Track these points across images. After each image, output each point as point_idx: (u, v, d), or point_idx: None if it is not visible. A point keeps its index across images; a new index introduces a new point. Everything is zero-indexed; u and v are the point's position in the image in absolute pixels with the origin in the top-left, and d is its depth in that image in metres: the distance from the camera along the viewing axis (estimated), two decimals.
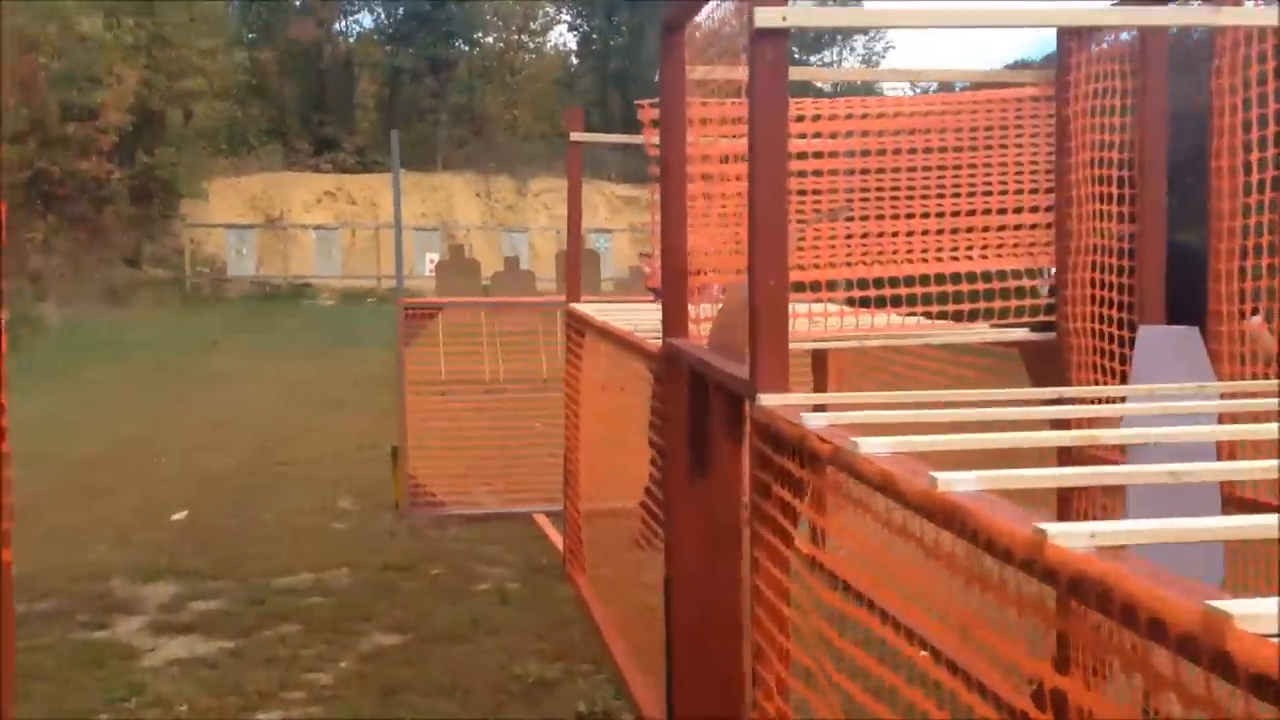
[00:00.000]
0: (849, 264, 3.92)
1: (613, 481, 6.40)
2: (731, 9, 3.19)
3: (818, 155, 3.66)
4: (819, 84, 22.04)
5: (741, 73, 3.75)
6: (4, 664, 2.42)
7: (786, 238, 2.52)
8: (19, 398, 11.68)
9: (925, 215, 3.92)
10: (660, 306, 6.24)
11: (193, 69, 29.31)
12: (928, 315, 4.19)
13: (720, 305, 3.36)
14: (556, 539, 6.92)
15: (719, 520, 2.98)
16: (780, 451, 2.36)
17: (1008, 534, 1.37)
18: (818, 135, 3.85)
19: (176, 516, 7.38)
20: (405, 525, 7.29)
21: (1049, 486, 2.51)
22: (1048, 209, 3.94)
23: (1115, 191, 3.75)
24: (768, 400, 2.47)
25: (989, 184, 3.97)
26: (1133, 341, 3.27)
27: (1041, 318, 4.13)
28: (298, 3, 35.53)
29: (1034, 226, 3.98)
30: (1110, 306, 3.80)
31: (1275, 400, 2.44)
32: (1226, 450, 2.98)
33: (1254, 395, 2.64)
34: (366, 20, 38.34)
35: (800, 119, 3.82)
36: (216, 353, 17.03)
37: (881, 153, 3.90)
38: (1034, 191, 3.97)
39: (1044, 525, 1.32)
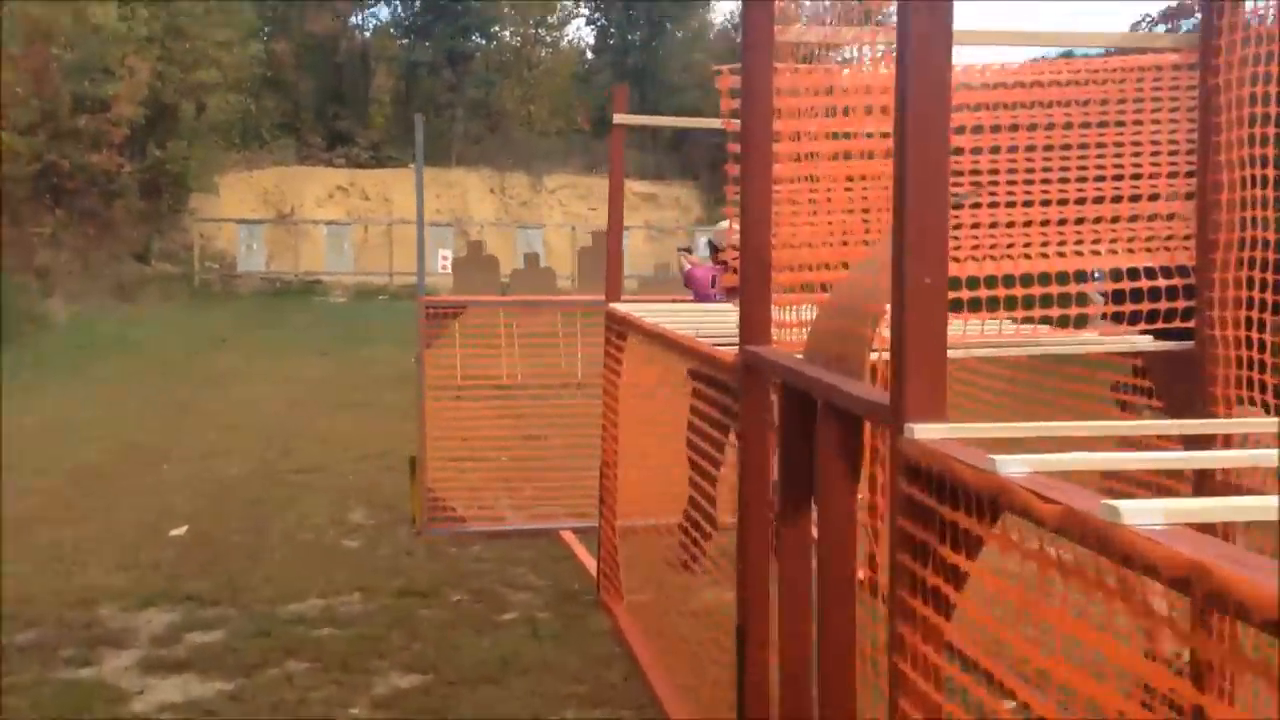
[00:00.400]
0: (955, 259, 3.33)
1: (649, 495, 5.83)
2: None
3: None
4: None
5: (848, 33, 3.17)
6: None
7: (946, 227, 1.94)
8: (22, 397, 11.14)
9: (1046, 203, 3.33)
10: (709, 306, 5.70)
11: (207, 61, 28.81)
12: (1029, 320, 3.60)
13: (821, 308, 2.77)
14: (587, 560, 6.35)
15: (827, 573, 2.40)
16: (947, 500, 1.78)
17: None
18: None
19: (175, 532, 6.81)
20: (423, 543, 6.72)
21: None
22: (1188, 197, 3.35)
23: (1273, 175, 3.16)
24: (925, 432, 1.88)
25: (1119, 167, 3.38)
26: None
27: (1175, 324, 3.54)
28: None
29: (1171, 217, 3.39)
30: (1265, 310, 3.21)
31: None
32: None
33: None
34: (383, 13, 37.95)
35: None
36: (225, 351, 16.48)
37: (996, 129, 3.30)
38: (1172, 176, 3.37)
39: None
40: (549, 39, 40.59)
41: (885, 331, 2.44)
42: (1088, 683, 1.47)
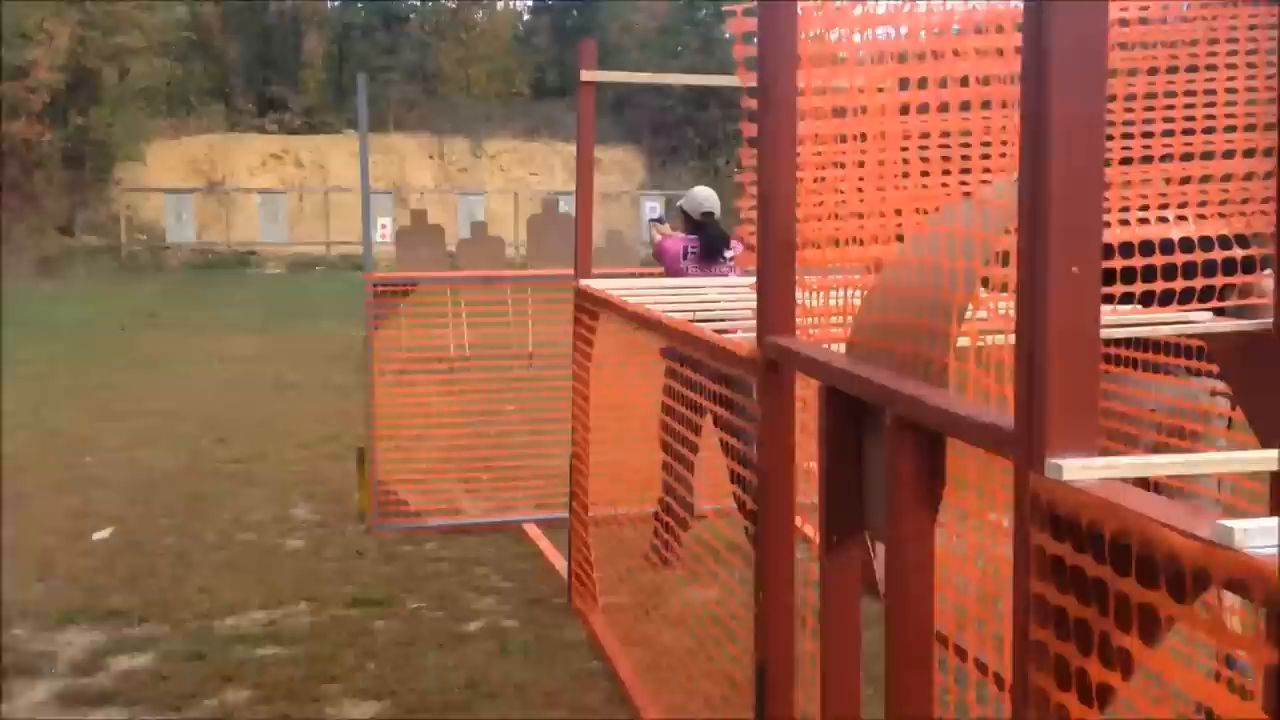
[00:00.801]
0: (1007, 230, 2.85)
1: (618, 482, 5.35)
2: None
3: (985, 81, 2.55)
4: None
5: None
6: None
7: (1100, 203, 1.45)
8: None
9: (1108, 163, 2.85)
10: (687, 283, 5.17)
11: (129, 24, 27.72)
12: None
13: (872, 293, 2.28)
14: (554, 557, 5.85)
15: (900, 624, 1.91)
16: (1121, 566, 1.30)
17: None
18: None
19: (99, 535, 6.21)
20: (374, 541, 6.17)
21: None
22: (1266, 153, 2.89)
23: None
24: (1079, 471, 1.40)
25: (1190, 119, 2.91)
26: None
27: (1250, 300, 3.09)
28: None
29: (1249, 177, 2.93)
30: None
31: None
32: None
33: None
34: None
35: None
36: (155, 328, 15.71)
37: None
38: (1250, 129, 2.91)
39: None
40: (486, 0, 39.68)
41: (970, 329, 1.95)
42: None
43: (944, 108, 2.34)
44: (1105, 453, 1.48)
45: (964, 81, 2.15)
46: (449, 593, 5.35)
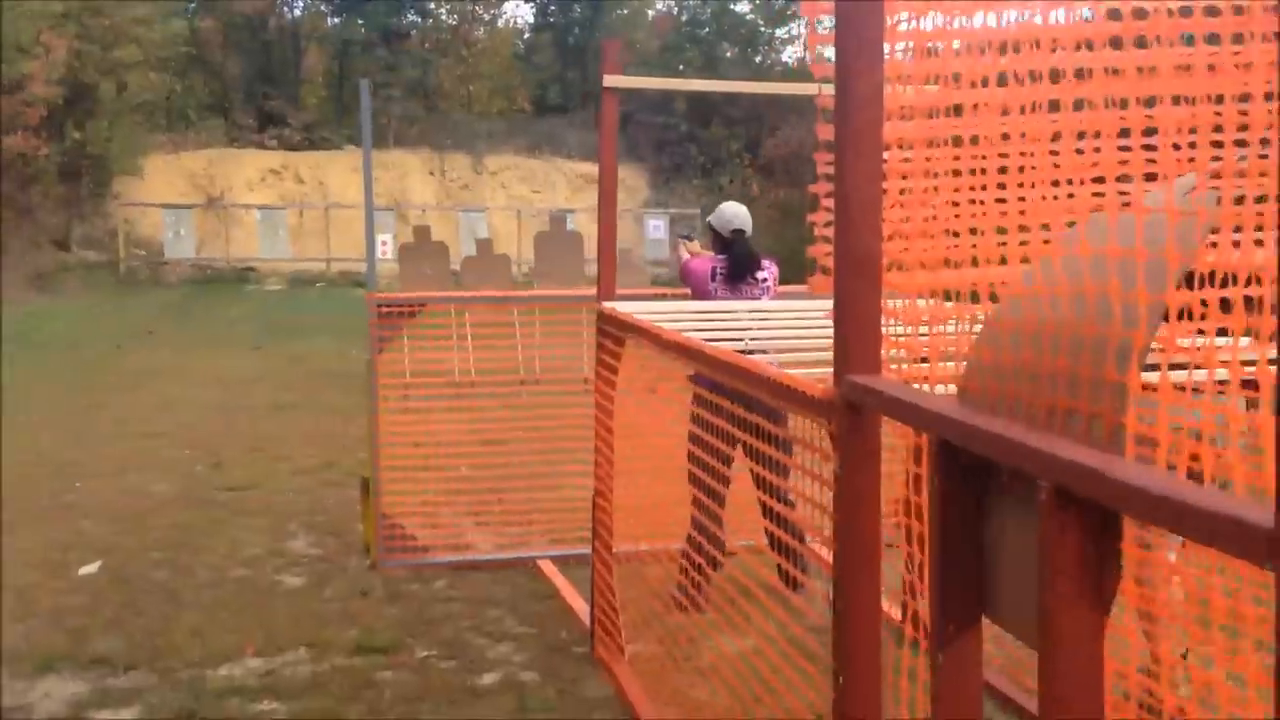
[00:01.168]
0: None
1: (642, 517, 4.98)
2: None
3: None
4: None
5: None
6: None
7: None
8: None
9: None
10: (721, 306, 4.79)
11: (127, 38, 27.38)
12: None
13: (992, 327, 1.90)
14: (573, 598, 5.46)
15: None
16: None
17: None
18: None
19: (86, 570, 5.82)
20: (378, 578, 5.79)
21: None
22: None
23: None
24: None
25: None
26: None
27: None
28: None
29: None
30: None
31: None
32: None
33: None
34: None
35: None
36: (151, 345, 15.32)
37: None
38: None
39: None
40: (487, 17, 39.39)
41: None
42: None
43: (1080, 104, 1.97)
44: None
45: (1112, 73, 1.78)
46: (460, 639, 4.96)
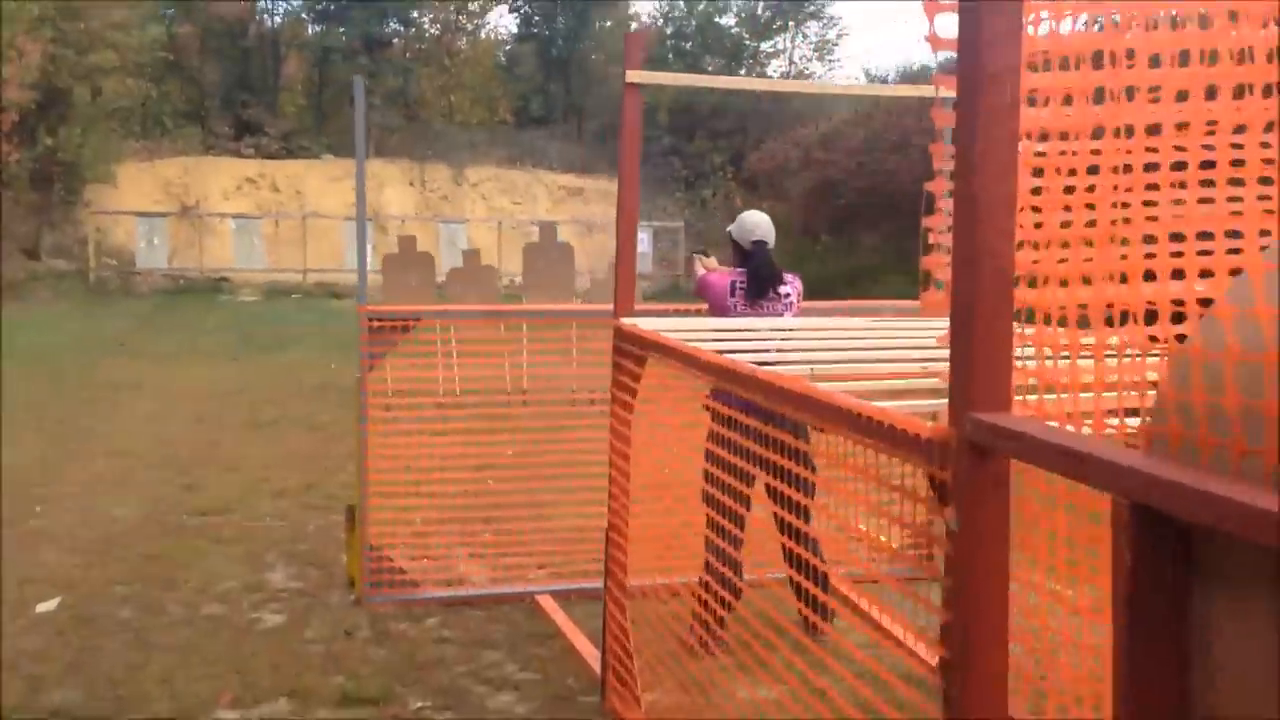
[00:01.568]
0: None
1: (655, 548, 4.56)
2: None
3: None
4: None
5: None
6: None
7: None
8: None
9: None
10: (748, 324, 4.37)
11: (103, 43, 26.85)
12: None
13: (1195, 358, 1.49)
14: (577, 638, 5.02)
15: None
16: None
17: None
18: None
19: (44, 607, 5.34)
20: (365, 616, 5.34)
21: None
22: None
23: None
24: None
25: None
26: None
27: None
28: None
29: None
30: None
31: None
32: None
33: None
34: None
35: None
36: (123, 357, 14.80)
37: None
38: None
39: None
40: (470, 27, 38.98)
41: None
42: None
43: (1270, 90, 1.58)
44: None
45: None
46: (457, 687, 4.52)
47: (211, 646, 4.91)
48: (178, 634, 5.06)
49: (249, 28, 34.38)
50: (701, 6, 37.89)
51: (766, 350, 3.55)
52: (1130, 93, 1.80)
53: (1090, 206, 1.86)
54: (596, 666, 4.56)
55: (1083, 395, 1.87)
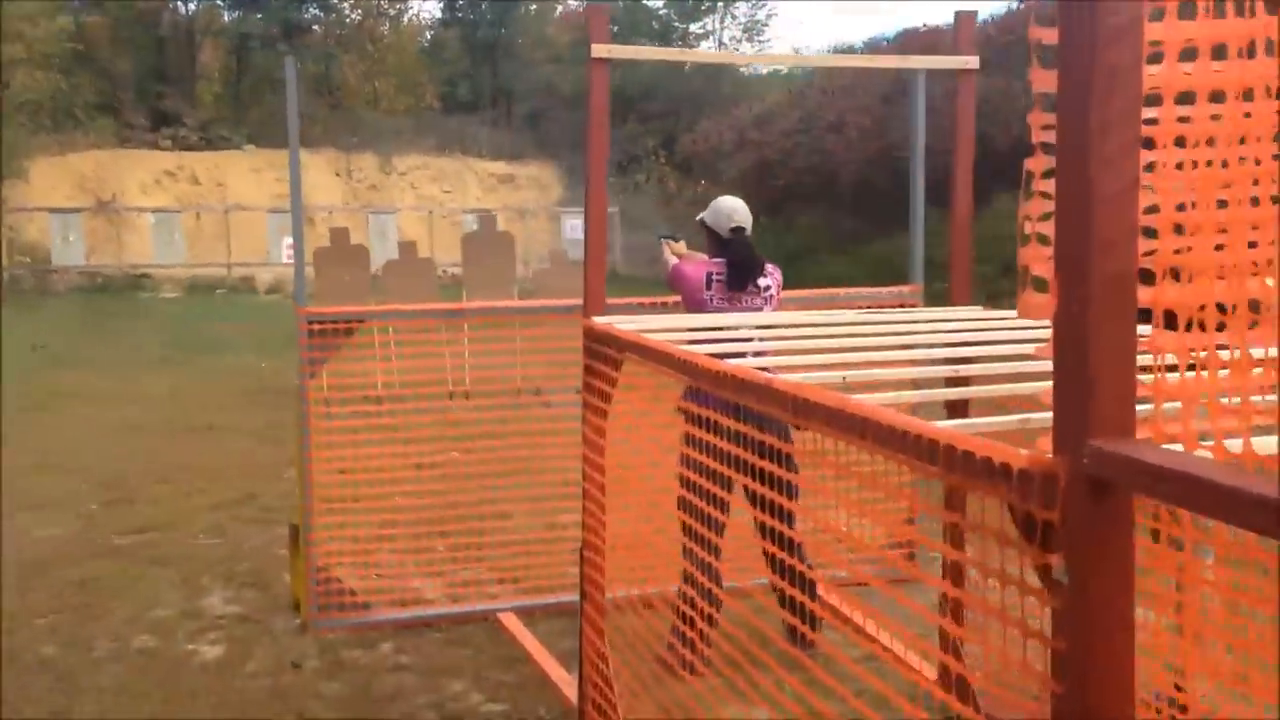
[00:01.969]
0: None
1: (622, 558, 4.21)
2: None
3: None
4: None
5: None
6: None
7: None
8: None
9: None
10: (732, 319, 4.00)
11: (9, 35, 25.80)
12: None
13: None
14: (547, 663, 4.66)
15: None
16: None
17: None
18: None
19: None
20: (312, 643, 4.93)
21: None
22: None
23: None
24: None
25: None
26: None
27: None
28: None
29: None
30: None
31: None
32: None
33: None
34: None
35: None
36: (41, 361, 14.11)
37: None
38: None
39: None
40: (392, 11, 38.14)
41: None
42: None
43: None
44: None
45: None
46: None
47: (144, 686, 4.48)
48: (106, 672, 4.62)
49: (162, 16, 33.30)
50: None
51: (765, 353, 3.22)
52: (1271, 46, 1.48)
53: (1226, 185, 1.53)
54: (569, 693, 4.21)
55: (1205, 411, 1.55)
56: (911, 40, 23.00)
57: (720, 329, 3.71)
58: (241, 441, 9.19)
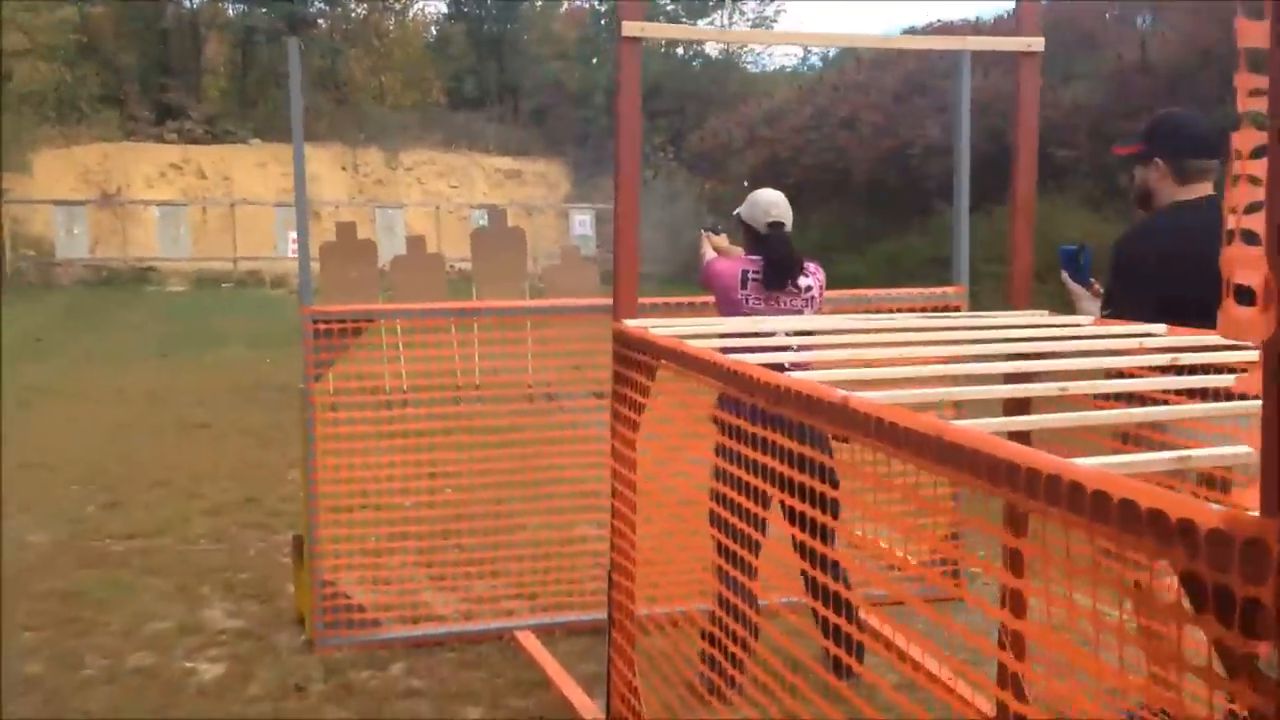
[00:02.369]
0: None
1: (646, 574, 3.90)
2: None
3: None
4: None
5: None
6: None
7: None
8: None
9: None
10: (776, 324, 3.65)
11: (12, 25, 25.54)
12: None
13: None
14: (569, 688, 4.34)
15: None
16: None
17: None
18: None
19: None
20: (318, 663, 4.62)
21: None
22: None
23: None
24: None
25: None
26: None
27: None
28: None
29: None
30: None
31: None
32: None
33: None
34: None
35: None
36: (41, 355, 13.81)
37: None
38: None
39: None
40: (398, 6, 37.81)
41: None
42: None
43: None
44: None
45: None
46: None
47: (138, 709, 4.17)
48: (97, 694, 4.31)
49: (166, 8, 32.97)
50: None
51: (807, 365, 2.91)
52: None
53: None
54: None
55: None
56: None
57: (757, 334, 3.40)
58: (241, 441, 8.89)
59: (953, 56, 5.27)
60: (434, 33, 38.97)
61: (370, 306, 5.17)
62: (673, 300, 5.14)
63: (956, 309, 5.28)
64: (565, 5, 40.57)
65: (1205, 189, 3.75)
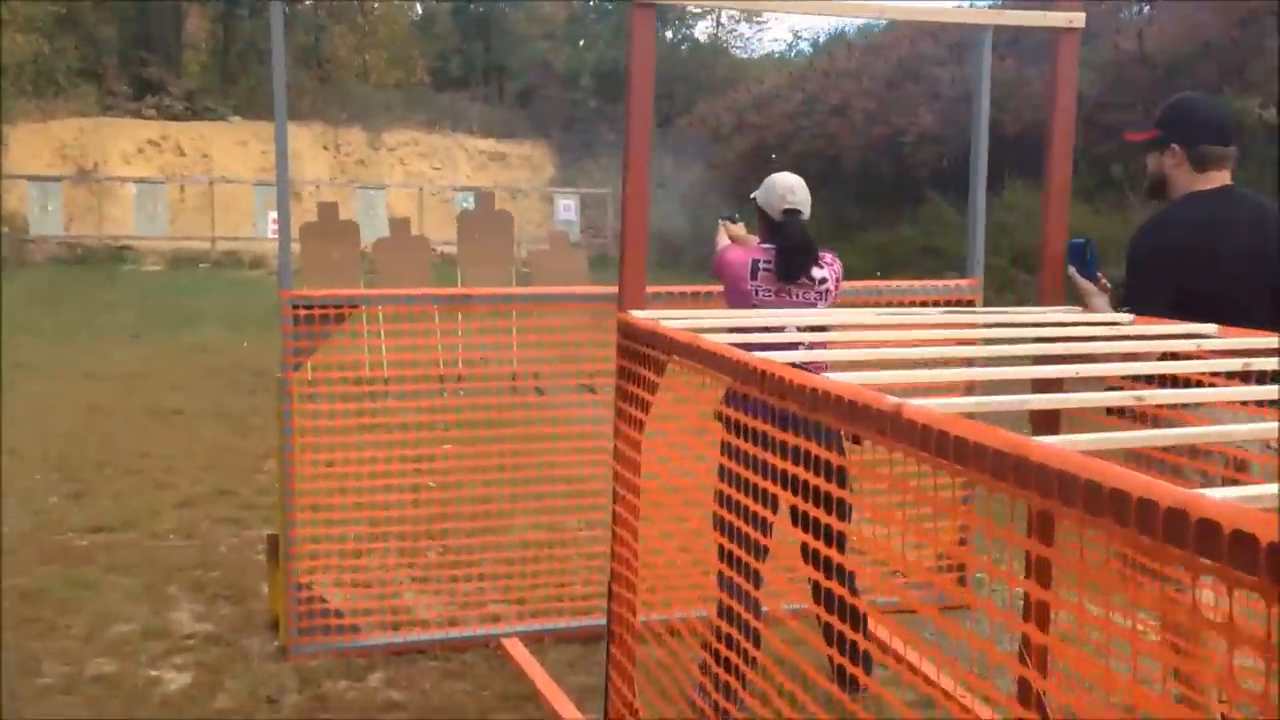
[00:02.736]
0: None
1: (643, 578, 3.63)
2: None
3: None
4: None
5: None
6: None
7: None
8: None
9: None
10: (796, 316, 3.36)
11: None
12: None
13: None
14: (560, 703, 4.07)
15: None
16: None
17: None
18: None
19: None
20: (292, 671, 4.34)
21: None
22: None
23: None
24: None
25: None
26: None
27: None
28: None
29: None
30: None
31: None
32: None
33: None
34: None
35: None
36: (10, 334, 13.40)
37: None
38: None
39: None
40: None
41: None
42: None
43: None
44: None
45: None
46: None
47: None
48: (55, 704, 4.02)
49: None
50: None
51: (821, 365, 2.64)
52: None
53: None
54: None
55: None
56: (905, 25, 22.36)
57: (766, 329, 3.13)
58: (216, 427, 8.57)
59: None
60: (419, 10, 38.50)
61: (354, 291, 4.89)
62: (662, 290, 4.86)
63: (970, 303, 5.03)
64: None
65: (1223, 178, 3.52)
